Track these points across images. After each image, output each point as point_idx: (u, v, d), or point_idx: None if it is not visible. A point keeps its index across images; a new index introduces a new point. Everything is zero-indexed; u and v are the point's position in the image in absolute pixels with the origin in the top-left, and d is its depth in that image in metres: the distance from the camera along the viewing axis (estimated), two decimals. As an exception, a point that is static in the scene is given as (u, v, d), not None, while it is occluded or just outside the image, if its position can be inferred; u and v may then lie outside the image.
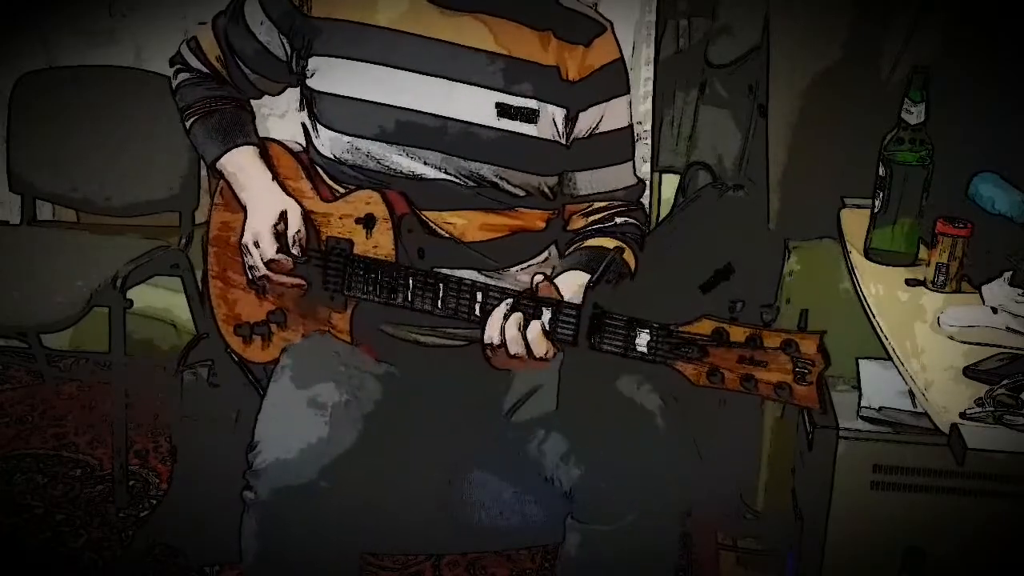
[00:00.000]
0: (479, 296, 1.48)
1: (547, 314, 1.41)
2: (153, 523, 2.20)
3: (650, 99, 2.33)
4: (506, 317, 1.42)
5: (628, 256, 1.62)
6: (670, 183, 2.46)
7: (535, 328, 1.41)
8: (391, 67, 1.57)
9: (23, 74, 2.49)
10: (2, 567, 2.12)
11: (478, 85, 1.56)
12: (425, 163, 1.58)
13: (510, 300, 1.43)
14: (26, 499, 2.30)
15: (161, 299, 2.56)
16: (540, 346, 1.41)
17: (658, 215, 2.47)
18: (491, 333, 1.43)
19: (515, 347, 1.41)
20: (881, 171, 1.74)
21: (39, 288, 2.21)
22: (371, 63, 1.57)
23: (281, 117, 1.91)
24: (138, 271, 2.26)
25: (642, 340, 1.37)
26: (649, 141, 2.36)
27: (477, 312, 1.48)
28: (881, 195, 1.74)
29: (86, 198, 2.49)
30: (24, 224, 2.53)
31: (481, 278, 1.54)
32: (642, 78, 2.31)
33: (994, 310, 1.54)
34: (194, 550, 2.04)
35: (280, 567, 1.50)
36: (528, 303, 1.43)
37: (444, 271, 1.53)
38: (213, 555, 2.02)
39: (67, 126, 2.48)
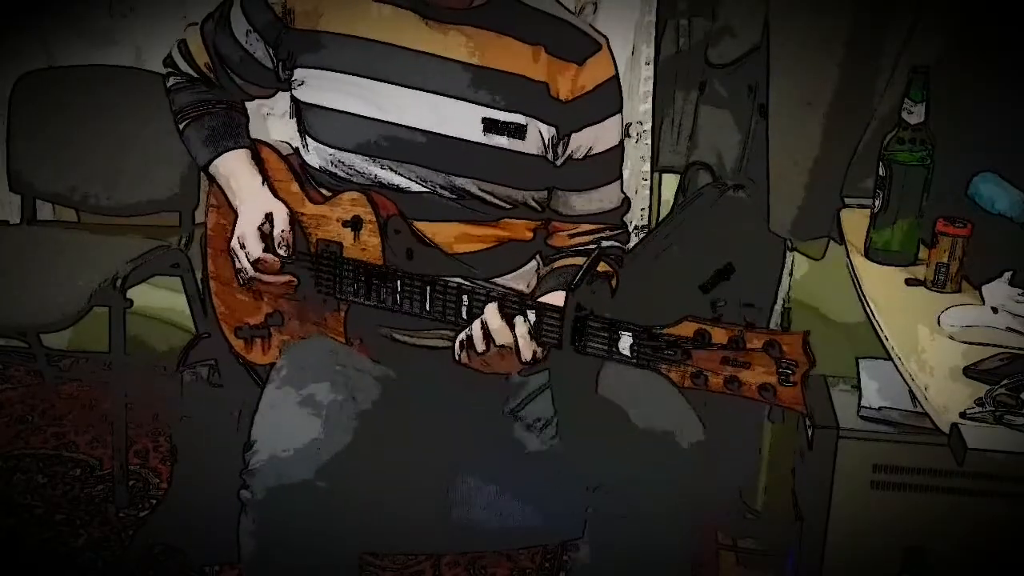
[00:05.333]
0: (465, 299, 1.47)
1: (532, 317, 1.40)
2: (153, 523, 2.20)
3: (650, 99, 2.32)
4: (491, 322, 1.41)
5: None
6: (670, 183, 2.45)
7: (521, 324, 1.40)
8: (375, 80, 1.54)
9: (23, 74, 2.50)
10: (2, 567, 2.12)
11: (464, 99, 1.53)
12: (408, 177, 1.56)
13: (495, 304, 1.42)
14: (26, 499, 2.30)
15: (161, 299, 2.56)
16: (527, 349, 1.41)
17: (658, 215, 2.47)
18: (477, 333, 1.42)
19: (502, 338, 1.41)
20: (881, 171, 1.74)
21: (39, 288, 2.21)
22: (355, 75, 1.55)
23: (281, 118, 1.90)
24: (138, 271, 2.26)
25: (624, 343, 1.34)
26: (649, 141, 2.35)
27: (464, 315, 1.47)
28: (881, 195, 1.74)
29: (86, 198, 2.49)
30: (24, 224, 2.53)
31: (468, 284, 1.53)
32: (642, 78, 2.30)
33: (994, 310, 1.53)
34: (194, 550, 2.04)
35: (277, 567, 1.50)
36: (514, 304, 1.42)
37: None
38: (213, 555, 2.02)
39: (67, 126, 2.47)
